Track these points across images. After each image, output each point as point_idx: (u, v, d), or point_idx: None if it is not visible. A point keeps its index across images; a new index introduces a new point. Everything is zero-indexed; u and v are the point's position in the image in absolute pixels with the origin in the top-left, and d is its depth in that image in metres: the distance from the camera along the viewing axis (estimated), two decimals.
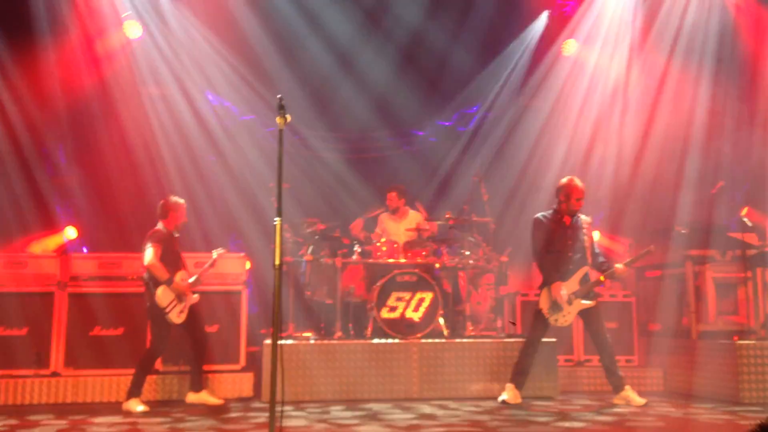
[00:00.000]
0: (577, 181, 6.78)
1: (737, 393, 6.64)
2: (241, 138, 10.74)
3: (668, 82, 11.17)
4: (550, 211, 6.84)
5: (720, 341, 7.08)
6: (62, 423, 5.79)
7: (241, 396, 7.17)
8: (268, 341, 6.77)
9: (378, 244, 7.93)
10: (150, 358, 6.65)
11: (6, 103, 9.27)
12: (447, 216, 8.01)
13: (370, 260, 7.86)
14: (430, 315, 7.44)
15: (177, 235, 6.91)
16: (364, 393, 7.04)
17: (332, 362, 7.06)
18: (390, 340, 7.27)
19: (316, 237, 7.96)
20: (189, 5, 10.01)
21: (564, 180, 6.86)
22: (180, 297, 6.58)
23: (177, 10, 10.07)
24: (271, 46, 10.28)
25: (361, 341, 7.28)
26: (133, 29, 9.83)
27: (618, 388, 6.57)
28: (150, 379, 6.87)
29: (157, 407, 6.58)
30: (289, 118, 4.51)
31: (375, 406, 6.58)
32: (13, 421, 5.82)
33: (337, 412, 6.31)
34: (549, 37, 11.18)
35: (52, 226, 9.89)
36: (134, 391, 6.46)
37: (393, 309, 7.42)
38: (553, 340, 7.28)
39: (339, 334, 7.43)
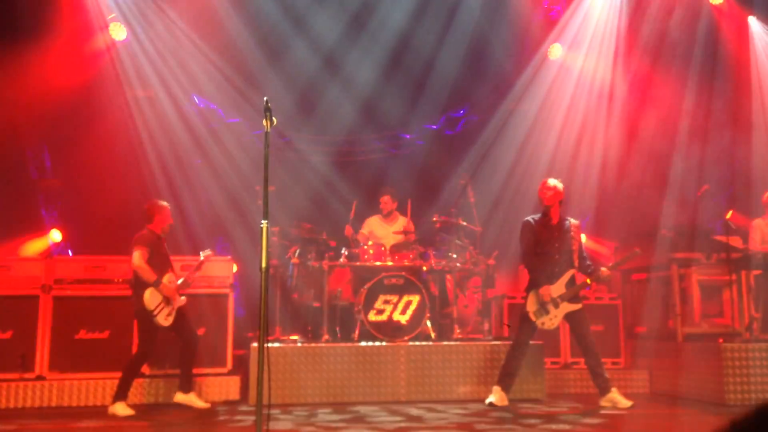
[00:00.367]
0: (548, 180, 6.83)
1: (722, 395, 6.68)
2: (228, 141, 10.71)
3: (653, 85, 11.26)
4: (538, 215, 6.88)
5: (705, 343, 7.13)
6: (47, 427, 5.74)
7: (227, 399, 7.13)
8: (255, 344, 6.75)
9: (365, 247, 7.92)
10: (138, 361, 6.60)
11: None
12: (434, 219, 8.02)
13: (358, 263, 7.85)
14: (417, 318, 7.44)
15: (164, 237, 6.88)
16: (351, 396, 7.03)
17: (319, 365, 7.04)
18: (377, 343, 7.26)
19: (303, 240, 7.95)
20: (175, 8, 9.98)
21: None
22: (167, 300, 6.54)
23: (162, 12, 10.03)
24: (258, 48, 10.27)
25: (349, 344, 7.27)
26: (118, 31, 9.79)
27: (604, 391, 6.59)
28: (136, 382, 6.81)
29: (144, 411, 6.54)
30: (275, 120, 4.50)
31: (362, 409, 6.58)
32: None
33: (324, 415, 6.29)
34: (535, 41, 11.23)
35: (37, 229, 9.81)
36: (120, 395, 6.41)
37: (380, 312, 7.42)
38: (540, 342, 7.31)
39: (326, 337, 7.42)
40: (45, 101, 9.56)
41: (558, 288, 6.60)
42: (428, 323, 7.52)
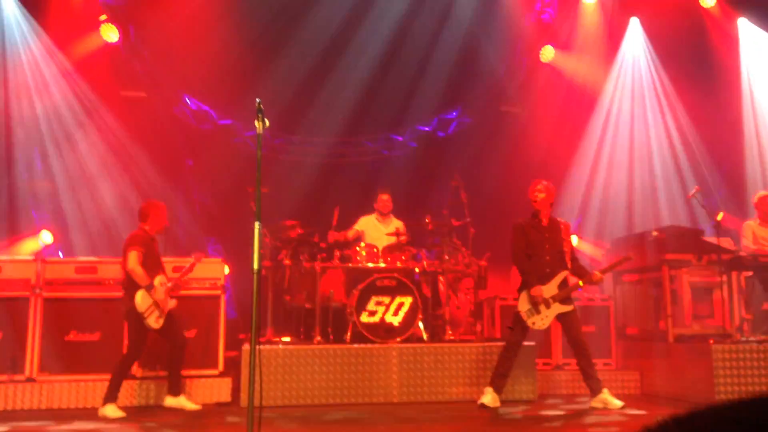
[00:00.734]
0: (539, 182, 6.85)
1: (713, 396, 6.70)
2: (220, 142, 10.70)
3: (645, 87, 11.31)
4: (529, 216, 6.89)
5: (696, 344, 7.16)
6: (37, 429, 5.71)
7: (219, 401, 7.10)
8: (247, 346, 6.73)
9: (358, 248, 7.91)
10: (127, 362, 6.57)
11: None
12: (426, 220, 8.03)
13: (350, 265, 7.85)
14: (409, 319, 7.44)
15: (156, 237, 6.86)
16: (344, 397, 7.02)
17: (311, 367, 7.03)
18: (369, 345, 7.25)
19: (296, 241, 7.94)
20: (167, 9, 9.96)
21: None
22: (158, 302, 6.52)
23: (154, 13, 10.01)
24: (250, 49, 10.26)
25: (341, 345, 7.26)
26: (110, 33, 9.77)
27: (596, 391, 6.61)
28: (127, 384, 6.79)
29: (134, 413, 6.51)
30: (267, 122, 4.49)
31: (354, 411, 6.57)
32: None
33: (316, 416, 6.28)
34: (528, 43, 11.26)
35: (27, 231, 9.77)
36: (111, 397, 6.38)
37: (372, 313, 7.41)
38: (532, 343, 7.31)
39: (318, 338, 7.41)
40: (36, 102, 9.55)
41: (550, 289, 6.61)
42: (420, 325, 7.52)
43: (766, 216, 8.12)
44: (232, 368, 7.44)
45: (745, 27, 11.17)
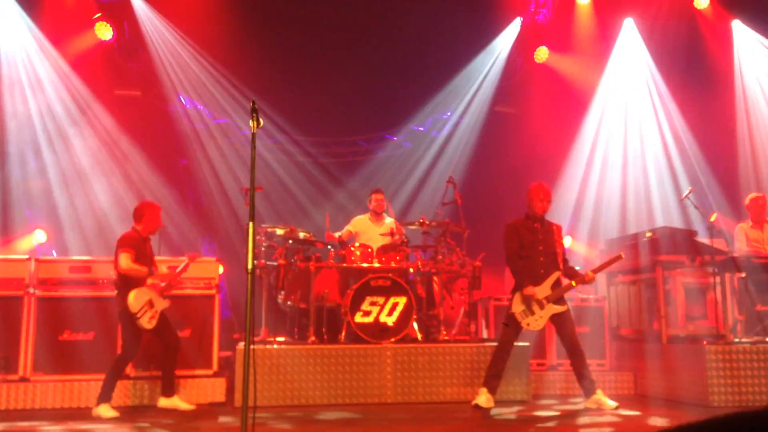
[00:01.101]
0: (542, 184, 6.85)
1: (706, 396, 6.72)
2: (214, 141, 10.69)
3: (638, 89, 11.34)
4: (522, 217, 6.90)
5: (689, 345, 7.18)
6: (30, 429, 5.69)
7: (213, 401, 7.09)
8: (241, 346, 6.73)
9: (352, 248, 7.92)
10: (121, 363, 6.56)
11: None
12: (421, 220, 8.03)
13: (344, 264, 7.84)
14: (403, 319, 7.44)
15: (149, 238, 6.84)
16: (338, 397, 7.02)
17: (305, 367, 7.02)
18: (364, 345, 7.25)
19: (290, 241, 7.93)
20: (161, 7, 9.95)
21: (532, 184, 6.94)
22: (151, 302, 6.51)
23: (149, 11, 10.00)
24: (245, 49, 10.25)
25: (335, 346, 7.26)
26: (104, 31, 9.74)
27: (589, 392, 6.62)
28: (121, 384, 6.78)
29: (128, 413, 6.50)
30: (262, 122, 4.49)
31: (349, 411, 6.57)
32: None
33: (310, 416, 6.28)
34: (522, 44, 11.28)
35: (21, 230, 9.74)
36: (104, 397, 6.37)
37: (367, 313, 7.41)
38: (526, 344, 7.33)
39: (312, 338, 7.40)
40: (30, 101, 9.52)
41: (543, 290, 6.62)
42: (415, 325, 7.52)
43: (757, 217, 8.15)
44: (226, 368, 7.44)
45: (739, 29, 11.21)
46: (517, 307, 6.62)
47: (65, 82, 9.77)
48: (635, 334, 8.19)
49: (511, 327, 6.67)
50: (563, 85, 11.36)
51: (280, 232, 7.86)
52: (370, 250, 7.91)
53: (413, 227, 8.23)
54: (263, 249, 7.91)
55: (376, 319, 7.41)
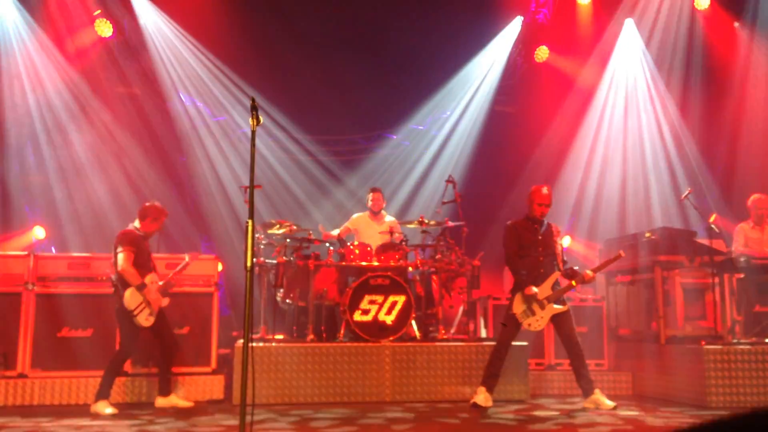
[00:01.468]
0: (542, 188, 6.85)
1: (704, 397, 6.73)
2: (214, 139, 10.69)
3: (638, 90, 11.34)
4: (522, 218, 6.91)
5: (688, 346, 7.18)
6: (28, 425, 5.69)
7: (212, 398, 7.10)
8: (240, 343, 6.73)
9: (351, 246, 7.92)
10: (118, 359, 6.56)
11: None
12: (420, 219, 8.03)
13: (343, 263, 7.84)
14: (402, 318, 7.44)
15: (148, 236, 6.84)
16: (336, 395, 7.02)
17: (304, 365, 7.03)
18: (362, 343, 7.26)
19: (289, 239, 7.93)
20: (161, 4, 9.95)
21: (531, 187, 6.95)
22: (149, 300, 6.51)
23: (149, 8, 10.00)
24: (245, 47, 10.24)
25: (334, 344, 7.26)
26: (104, 28, 9.74)
27: (588, 392, 6.63)
28: (119, 381, 6.78)
29: (126, 410, 6.50)
30: (261, 119, 4.49)
31: (347, 409, 6.57)
32: None
33: (308, 414, 6.28)
34: (522, 44, 11.28)
35: (20, 226, 9.74)
36: (103, 393, 6.37)
37: (366, 312, 7.41)
38: (525, 343, 7.33)
39: (311, 336, 7.40)
40: (30, 96, 9.51)
41: (544, 290, 6.62)
42: (413, 323, 7.52)
43: (759, 218, 8.15)
44: (224, 366, 7.44)
45: (739, 30, 11.21)
46: (518, 308, 6.63)
47: (64, 78, 9.76)
48: (634, 335, 8.19)
49: (510, 327, 6.68)
50: (563, 85, 11.36)
51: (279, 230, 7.85)
52: (369, 248, 7.91)
53: (412, 226, 8.24)
54: (262, 247, 7.91)
55: (375, 317, 7.41)
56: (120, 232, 6.68)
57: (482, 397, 6.58)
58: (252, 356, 4.10)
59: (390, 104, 11.02)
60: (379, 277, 7.54)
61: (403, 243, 8.05)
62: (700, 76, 11.03)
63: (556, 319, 6.69)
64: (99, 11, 9.65)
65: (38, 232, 9.79)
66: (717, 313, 7.31)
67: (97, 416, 6.17)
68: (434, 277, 8.00)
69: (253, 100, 4.46)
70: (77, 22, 9.64)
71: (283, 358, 7.01)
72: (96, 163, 9.91)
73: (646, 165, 11.24)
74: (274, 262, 7.83)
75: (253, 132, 4.44)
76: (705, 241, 7.47)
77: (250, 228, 4.29)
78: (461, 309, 8.16)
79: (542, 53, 11.22)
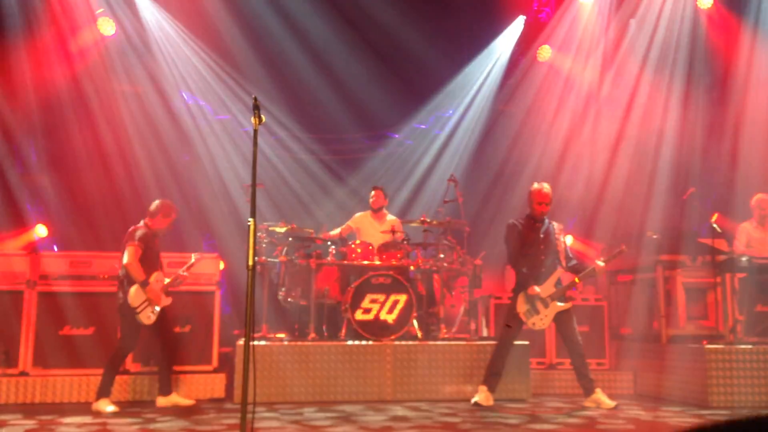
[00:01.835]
0: (542, 187, 6.84)
1: (706, 397, 6.72)
2: (216, 137, 10.69)
3: (641, 89, 11.32)
4: (523, 217, 6.91)
5: (689, 345, 7.18)
6: (31, 423, 5.70)
7: (213, 397, 7.11)
8: (241, 342, 6.73)
9: (353, 245, 7.92)
10: (118, 357, 6.57)
11: None
12: (422, 218, 8.03)
13: (345, 262, 7.85)
14: (404, 317, 7.44)
15: (158, 235, 6.86)
16: (338, 394, 7.03)
17: (305, 363, 7.04)
18: (364, 342, 7.26)
19: (291, 238, 7.93)
20: (164, 3, 9.94)
21: (532, 186, 6.95)
22: (152, 299, 6.52)
23: (151, 7, 10.00)
24: (248, 45, 10.25)
25: (335, 343, 7.27)
26: (106, 26, 9.74)
27: (589, 391, 6.63)
28: (120, 379, 6.79)
29: (128, 407, 6.51)
30: (263, 118, 4.49)
31: (348, 408, 6.58)
32: None
33: (309, 413, 6.29)
34: (524, 43, 11.27)
35: (22, 224, 9.75)
36: (104, 391, 6.38)
37: (367, 311, 7.42)
38: (526, 342, 7.33)
39: (313, 335, 7.41)
40: (32, 96, 9.51)
41: (547, 288, 6.63)
42: (415, 323, 7.52)
43: (762, 218, 8.13)
44: (226, 364, 7.45)
45: (742, 29, 11.18)
46: (522, 307, 6.63)
47: (67, 75, 9.75)
48: (635, 334, 8.18)
49: (513, 326, 6.68)
50: (566, 84, 11.35)
51: (281, 229, 7.86)
52: (371, 247, 7.91)
53: (414, 225, 8.23)
54: (264, 246, 7.91)
55: (377, 316, 7.41)
56: (131, 228, 6.70)
57: (483, 396, 6.59)
58: (253, 355, 4.10)
59: (392, 103, 11.01)
60: (380, 276, 7.55)
61: (405, 242, 8.05)
62: (702, 75, 11.01)
63: (558, 318, 6.69)
64: (102, 9, 9.66)
65: (40, 231, 9.81)
66: (719, 312, 7.31)
67: (98, 414, 6.18)
68: (436, 276, 8.00)
69: (255, 98, 4.46)
70: (80, 20, 9.64)
71: (285, 357, 7.01)
72: (98, 162, 9.91)
73: (649, 164, 11.22)
74: (276, 260, 7.83)
75: (255, 131, 4.44)
76: (707, 241, 7.46)
77: (251, 227, 4.29)
78: (462, 308, 8.16)
79: (545, 52, 11.22)
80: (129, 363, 6.94)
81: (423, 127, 11.69)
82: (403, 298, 7.47)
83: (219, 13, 9.95)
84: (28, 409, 6.44)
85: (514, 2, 11.07)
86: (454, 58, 11.07)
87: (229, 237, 9.76)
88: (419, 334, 7.54)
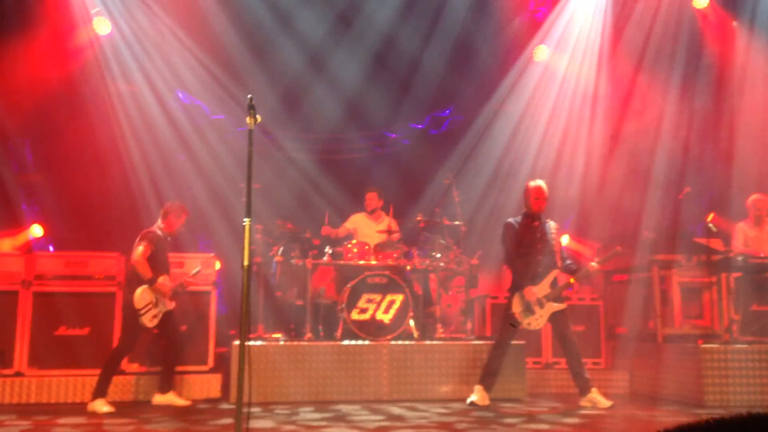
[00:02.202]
0: (537, 183, 6.86)
1: (701, 396, 6.74)
2: (212, 137, 10.66)
3: (637, 88, 11.33)
4: (520, 216, 6.91)
5: (685, 345, 7.19)
6: (26, 423, 5.69)
7: (209, 397, 7.10)
8: (237, 342, 6.72)
9: (349, 245, 7.91)
10: (116, 357, 6.56)
11: None
12: (418, 218, 8.03)
13: (341, 262, 7.84)
14: (400, 317, 7.44)
15: (170, 239, 6.86)
16: (334, 394, 7.02)
17: (301, 363, 7.03)
18: (360, 342, 7.26)
19: (287, 238, 7.93)
20: (159, 2, 9.92)
21: (527, 184, 6.96)
22: (156, 302, 6.52)
23: (147, 6, 9.97)
24: (243, 45, 10.23)
25: (331, 343, 7.27)
26: (102, 25, 9.72)
27: (585, 391, 6.64)
28: (116, 380, 6.78)
29: (123, 408, 6.50)
30: (259, 118, 4.49)
31: (344, 408, 6.57)
32: None
33: (305, 413, 6.29)
34: (520, 42, 11.27)
35: (17, 224, 9.73)
36: (100, 392, 6.38)
37: (363, 311, 7.42)
38: (522, 342, 7.34)
39: (309, 335, 7.41)
40: (27, 95, 9.49)
41: (543, 288, 6.63)
42: (411, 322, 7.52)
43: (758, 218, 8.15)
44: (222, 364, 7.44)
45: (738, 28, 11.20)
46: (517, 307, 6.63)
47: (62, 74, 9.73)
48: (631, 333, 8.19)
49: (510, 326, 6.69)
50: (562, 84, 11.35)
51: (277, 228, 7.85)
52: (367, 247, 7.91)
53: (411, 225, 8.23)
54: (260, 245, 7.91)
55: (373, 316, 7.41)
56: (144, 230, 6.71)
57: (479, 396, 6.59)
58: (249, 355, 4.10)
59: (389, 102, 11.00)
60: (377, 275, 7.55)
61: (401, 242, 8.06)
62: (698, 74, 11.03)
63: (554, 318, 6.70)
64: (97, 9, 9.63)
65: (36, 231, 9.78)
66: (714, 312, 7.32)
67: (94, 414, 6.17)
68: (432, 275, 8.01)
69: (250, 98, 4.45)
70: (75, 19, 9.62)
71: (281, 357, 7.01)
72: (94, 161, 9.89)
73: (645, 164, 11.23)
74: (273, 260, 7.82)
75: (251, 130, 4.44)
76: (702, 241, 7.47)
77: (247, 227, 4.29)
78: (458, 308, 8.16)
79: (541, 52, 11.23)
80: (125, 363, 6.92)
81: (419, 126, 11.68)
82: (399, 298, 7.47)
83: (214, 13, 9.93)
84: (23, 410, 6.42)
85: (511, 1, 11.06)
86: (450, 58, 11.05)
87: (225, 237, 9.74)
88: (415, 334, 7.54)
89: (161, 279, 6.56)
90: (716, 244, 7.48)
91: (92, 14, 9.62)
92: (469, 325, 8.03)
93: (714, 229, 7.38)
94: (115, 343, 6.84)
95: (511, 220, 6.91)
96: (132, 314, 6.46)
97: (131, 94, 10.17)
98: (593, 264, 6.76)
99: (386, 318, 7.44)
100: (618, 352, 8.14)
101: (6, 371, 6.89)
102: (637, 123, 11.23)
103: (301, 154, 11.19)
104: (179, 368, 7.02)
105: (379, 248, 7.94)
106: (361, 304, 7.43)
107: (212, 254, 7.77)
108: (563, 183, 10.92)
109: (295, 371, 7.00)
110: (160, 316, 6.58)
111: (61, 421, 5.83)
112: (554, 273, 6.72)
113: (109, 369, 6.48)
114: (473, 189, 10.59)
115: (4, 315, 6.99)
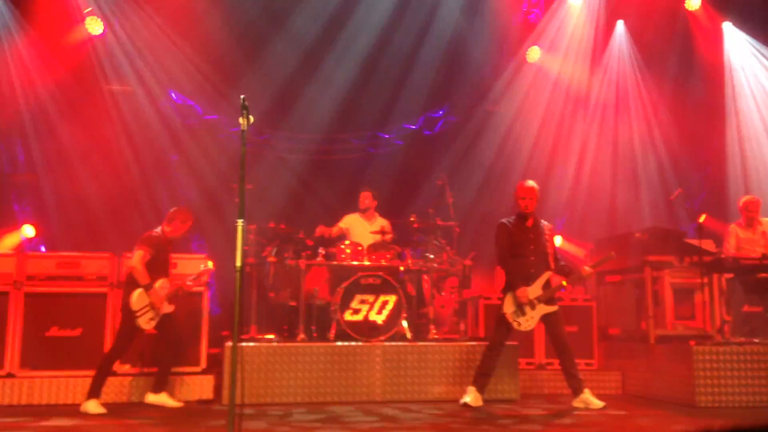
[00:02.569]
0: (524, 182, 6.88)
1: (693, 397, 6.75)
2: (205, 137, 10.64)
3: (629, 90, 11.38)
4: (513, 217, 6.92)
5: (677, 346, 7.21)
6: (17, 425, 5.66)
7: (201, 398, 7.07)
8: (230, 343, 6.71)
9: (342, 246, 7.90)
10: (111, 358, 6.53)
11: None
12: (411, 219, 8.02)
13: (334, 262, 7.83)
14: (393, 318, 7.44)
15: (171, 243, 6.84)
16: (327, 395, 7.01)
17: (294, 364, 7.02)
18: (353, 343, 7.25)
19: (280, 238, 7.91)
20: (152, 2, 9.90)
21: (517, 183, 6.99)
22: (154, 304, 6.50)
23: (140, 7, 9.95)
24: (236, 45, 10.22)
25: (324, 343, 7.25)
26: (95, 25, 9.69)
27: (577, 391, 6.64)
28: (110, 381, 6.74)
29: (117, 409, 6.47)
30: (252, 118, 4.48)
31: (337, 409, 6.57)
32: None
33: (298, 414, 6.28)
34: (514, 44, 11.30)
35: (9, 224, 9.68)
36: (93, 392, 6.35)
37: (356, 311, 7.41)
38: (515, 343, 7.34)
39: (302, 336, 7.39)
40: (19, 95, 9.46)
41: (535, 290, 6.64)
42: (404, 323, 7.52)
43: (749, 220, 8.18)
44: (214, 365, 7.41)
45: (729, 30, 11.27)
46: (509, 308, 6.64)
47: (54, 74, 9.69)
48: (623, 334, 8.22)
49: (502, 327, 6.69)
50: (554, 85, 11.39)
51: (270, 229, 7.83)
52: (360, 248, 7.90)
53: (404, 226, 8.22)
54: (253, 246, 7.89)
55: (366, 317, 7.40)
56: (146, 232, 6.69)
57: (472, 397, 6.59)
58: (242, 356, 4.09)
59: (382, 103, 11.00)
60: (370, 276, 7.54)
61: (395, 243, 8.05)
62: (690, 76, 11.08)
63: (546, 319, 6.70)
64: (90, 8, 9.61)
65: (27, 231, 9.74)
66: (706, 313, 7.35)
67: (86, 416, 6.14)
68: (425, 276, 8.01)
69: (243, 99, 4.45)
70: (68, 19, 9.59)
71: (274, 358, 6.99)
72: (86, 161, 9.86)
73: (637, 165, 11.28)
74: (266, 261, 7.81)
75: (244, 131, 4.43)
76: (694, 242, 7.49)
77: (240, 227, 4.28)
78: (452, 308, 8.17)
79: (534, 53, 11.26)
80: (116, 365, 6.88)
81: (413, 127, 11.68)
82: (392, 299, 7.46)
83: (207, 13, 9.91)
84: (14, 411, 6.39)
85: (504, 3, 11.09)
86: (443, 59, 11.07)
87: (217, 237, 9.72)
88: (408, 335, 7.54)
89: (158, 284, 6.53)
90: (708, 245, 7.50)
91: (85, 14, 9.59)
92: (462, 326, 8.03)
93: (706, 230, 7.39)
94: (108, 344, 6.81)
95: (504, 220, 6.92)
96: (129, 316, 6.45)
97: (124, 94, 10.14)
98: (586, 268, 6.80)
99: (379, 319, 7.43)
100: (610, 352, 8.16)
101: None
102: (629, 124, 11.28)
103: (295, 155, 11.17)
104: (172, 369, 7.00)
105: (372, 249, 7.94)
106: (354, 304, 7.42)
107: (205, 255, 7.74)
108: (556, 184, 10.95)
109: (288, 372, 6.98)
110: (158, 318, 6.55)
111: (53, 422, 5.80)
112: (547, 274, 6.72)
113: (103, 370, 6.46)
114: (467, 190, 10.61)
115: None
